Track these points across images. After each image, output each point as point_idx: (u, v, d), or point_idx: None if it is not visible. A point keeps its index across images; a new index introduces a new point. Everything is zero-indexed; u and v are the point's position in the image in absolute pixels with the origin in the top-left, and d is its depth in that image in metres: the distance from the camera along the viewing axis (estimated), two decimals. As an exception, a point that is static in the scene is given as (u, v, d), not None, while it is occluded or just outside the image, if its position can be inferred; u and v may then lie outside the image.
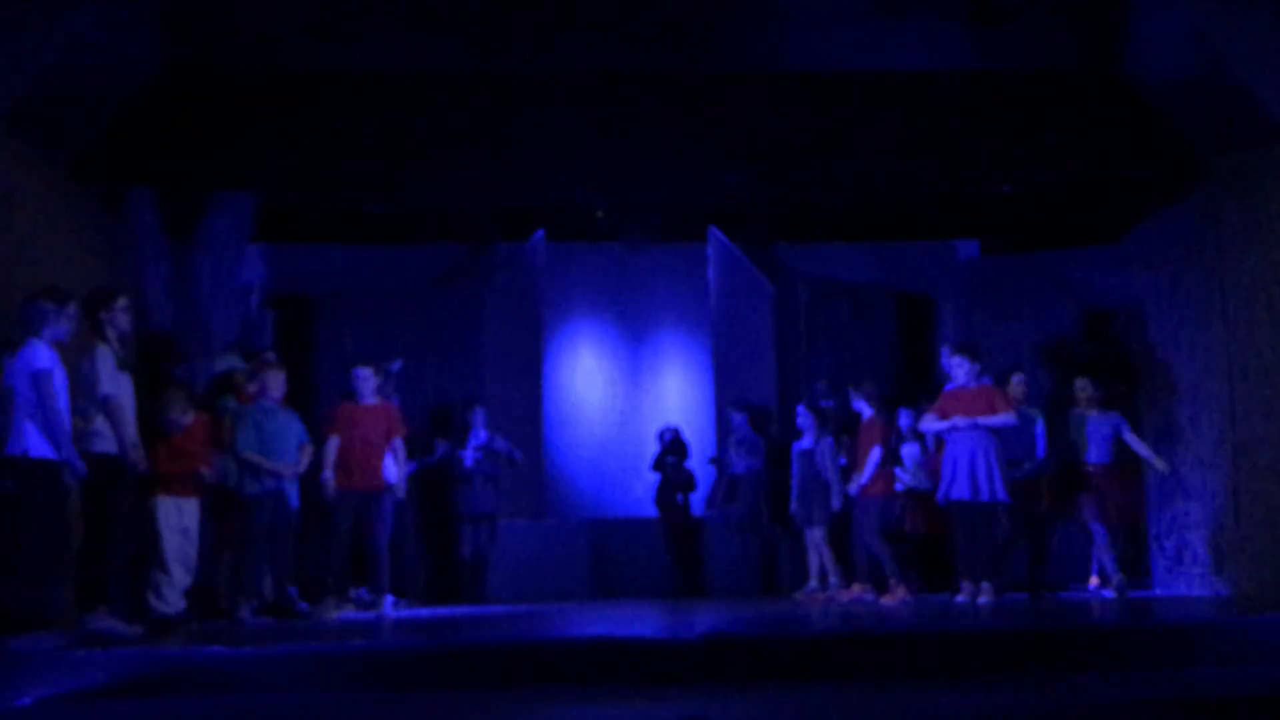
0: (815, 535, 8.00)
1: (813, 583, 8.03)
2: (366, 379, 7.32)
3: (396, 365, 8.14)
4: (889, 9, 6.68)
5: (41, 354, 5.16)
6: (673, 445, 9.52)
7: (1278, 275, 6.63)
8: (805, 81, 7.38)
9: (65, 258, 6.36)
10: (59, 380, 5.19)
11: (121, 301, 5.83)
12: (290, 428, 6.99)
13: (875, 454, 7.52)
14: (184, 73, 6.91)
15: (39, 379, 5.10)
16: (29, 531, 5.08)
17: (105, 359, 5.60)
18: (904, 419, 7.72)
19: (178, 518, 6.21)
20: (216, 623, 6.43)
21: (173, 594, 6.16)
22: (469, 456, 8.60)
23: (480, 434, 8.69)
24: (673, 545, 9.23)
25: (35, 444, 5.09)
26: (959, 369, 7.07)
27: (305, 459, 7.00)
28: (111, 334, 5.72)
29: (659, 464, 9.54)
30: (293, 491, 6.96)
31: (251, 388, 6.88)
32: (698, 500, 9.61)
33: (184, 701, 4.35)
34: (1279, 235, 6.63)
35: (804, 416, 8.06)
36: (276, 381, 6.94)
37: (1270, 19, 6.30)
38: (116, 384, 5.63)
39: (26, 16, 5.90)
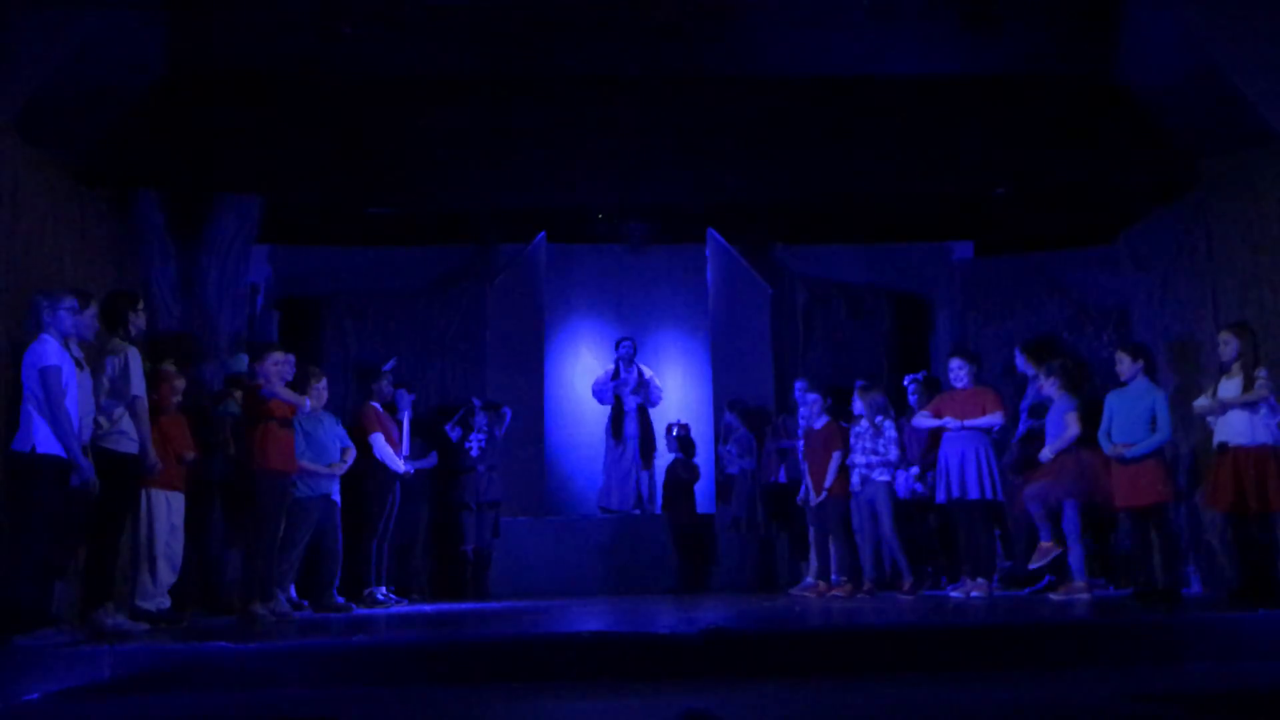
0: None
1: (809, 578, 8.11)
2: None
3: (390, 364, 8.25)
4: (885, 14, 6.73)
5: (50, 350, 5.11)
6: (681, 442, 9.59)
7: (1268, 276, 6.67)
8: (802, 86, 7.44)
9: (73, 259, 6.39)
10: (68, 377, 5.14)
11: (140, 304, 5.93)
12: (333, 431, 7.17)
13: (836, 458, 7.63)
14: (191, 76, 6.96)
15: (46, 374, 5.05)
16: (34, 528, 5.07)
17: (136, 360, 5.65)
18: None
19: (167, 512, 6.22)
20: (224, 618, 6.48)
21: (159, 591, 6.16)
22: (474, 445, 8.73)
23: (482, 432, 8.80)
24: (679, 541, 9.28)
25: (42, 440, 5.06)
26: (961, 371, 7.20)
27: (348, 460, 7.20)
28: (133, 334, 5.80)
29: (671, 467, 9.62)
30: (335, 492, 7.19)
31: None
32: (705, 496, 9.69)
33: (190, 697, 4.35)
34: (1269, 236, 6.67)
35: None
36: (324, 390, 7.13)
37: (1260, 24, 6.36)
38: (143, 385, 5.70)
39: (35, 21, 5.94)
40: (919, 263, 9.78)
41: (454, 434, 8.78)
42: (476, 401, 8.89)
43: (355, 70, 7.15)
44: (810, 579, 8.07)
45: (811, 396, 7.99)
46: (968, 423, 7.05)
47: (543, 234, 10.11)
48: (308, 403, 6.58)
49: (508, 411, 9.06)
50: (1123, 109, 7.23)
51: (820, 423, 7.82)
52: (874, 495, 7.45)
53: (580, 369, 10.78)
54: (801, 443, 8.27)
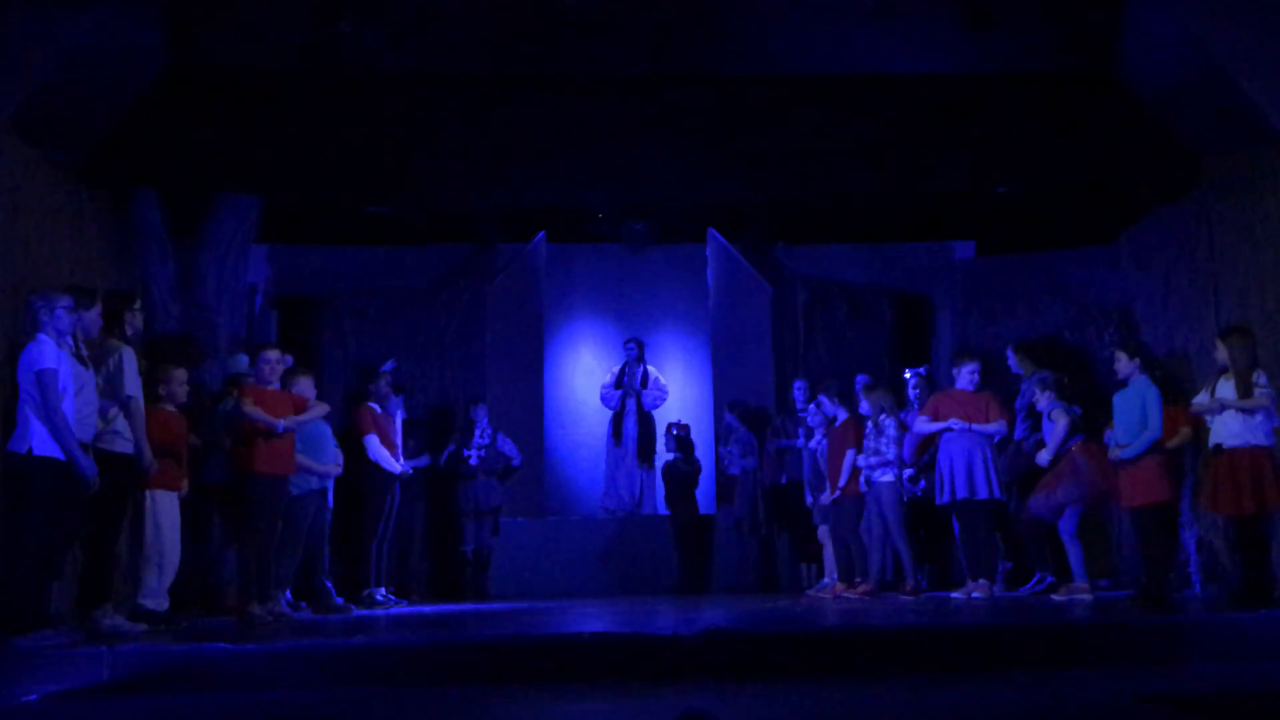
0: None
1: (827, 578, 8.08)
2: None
3: (388, 365, 8.21)
4: (886, 13, 6.71)
5: (47, 353, 5.08)
6: (680, 442, 9.57)
7: (1270, 275, 6.66)
8: (802, 85, 7.43)
9: (72, 259, 6.38)
10: (64, 379, 5.11)
11: (137, 303, 5.92)
12: (326, 432, 7.13)
13: (850, 456, 7.55)
14: (189, 75, 6.95)
15: (43, 377, 5.02)
16: (32, 529, 5.05)
17: (130, 360, 5.63)
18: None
19: (168, 511, 6.15)
20: (222, 619, 6.48)
21: (159, 591, 6.10)
22: (474, 455, 8.72)
23: (484, 432, 8.79)
24: (679, 542, 9.26)
25: (39, 442, 5.03)
26: (975, 375, 7.17)
27: (340, 465, 7.18)
28: (129, 334, 5.78)
29: (668, 466, 9.60)
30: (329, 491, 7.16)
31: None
32: (704, 496, 9.67)
33: (188, 698, 4.34)
34: (1271, 236, 6.67)
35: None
36: (307, 386, 7.04)
37: (1263, 23, 6.35)
38: (137, 385, 5.68)
39: (33, 20, 5.93)
40: (920, 262, 9.77)
41: (444, 456, 8.74)
42: (485, 432, 8.83)
43: (354, 69, 7.13)
44: (828, 579, 8.03)
45: (822, 398, 7.92)
46: (975, 427, 7.02)
47: (542, 234, 10.11)
48: (280, 425, 6.49)
49: (515, 457, 9.00)
50: (1124, 108, 7.22)
51: (840, 420, 7.76)
52: (879, 495, 7.42)
53: (580, 369, 10.77)
54: (801, 440, 8.24)
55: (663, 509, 9.89)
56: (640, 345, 10.36)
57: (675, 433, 9.60)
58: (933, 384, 7.99)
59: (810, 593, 8.11)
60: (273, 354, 6.69)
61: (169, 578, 6.19)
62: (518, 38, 6.97)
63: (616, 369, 10.40)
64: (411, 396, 8.56)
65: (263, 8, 6.62)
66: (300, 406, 6.72)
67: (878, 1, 6.65)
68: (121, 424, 5.60)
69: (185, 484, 6.28)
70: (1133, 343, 6.87)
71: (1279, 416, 5.92)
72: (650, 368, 10.39)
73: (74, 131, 6.48)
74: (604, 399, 10.38)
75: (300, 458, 6.80)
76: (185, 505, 6.32)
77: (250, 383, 6.67)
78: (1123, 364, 6.49)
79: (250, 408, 6.42)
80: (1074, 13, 6.90)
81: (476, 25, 6.84)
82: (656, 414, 10.32)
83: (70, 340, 5.26)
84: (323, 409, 6.96)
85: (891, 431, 7.40)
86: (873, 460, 7.39)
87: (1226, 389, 5.96)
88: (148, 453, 5.72)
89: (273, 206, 8.00)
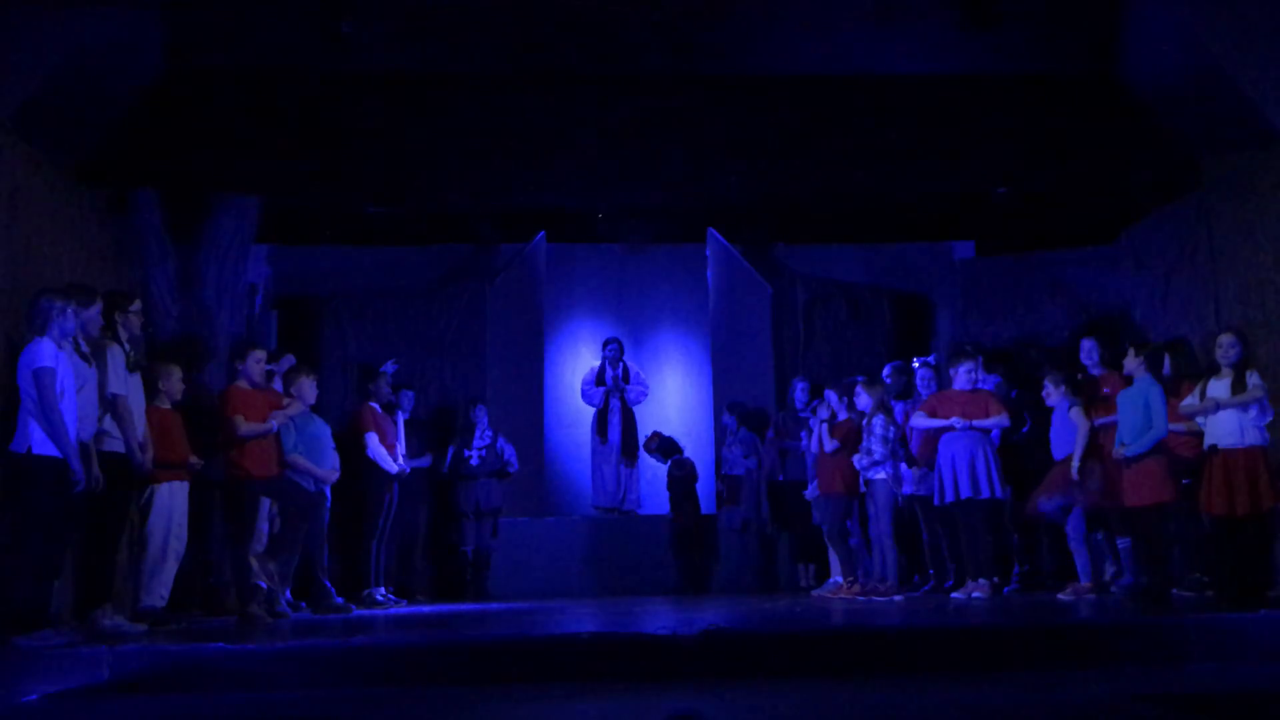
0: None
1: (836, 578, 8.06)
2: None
3: (388, 365, 8.21)
4: (886, 13, 6.73)
5: (45, 352, 5.10)
6: (666, 446, 9.54)
7: (1270, 275, 6.67)
8: (803, 85, 7.43)
9: (71, 259, 6.40)
10: (63, 378, 5.13)
11: (135, 304, 5.94)
12: (324, 432, 7.13)
13: (840, 457, 7.50)
14: (189, 75, 6.96)
15: (40, 376, 5.05)
16: (33, 529, 5.07)
17: (116, 359, 5.65)
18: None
19: (169, 504, 6.18)
20: (223, 619, 6.48)
21: (163, 585, 6.11)
22: (475, 456, 8.72)
23: (484, 433, 8.79)
24: (680, 542, 9.25)
25: (39, 441, 5.06)
26: (966, 371, 7.16)
27: (336, 466, 7.16)
28: (123, 335, 5.80)
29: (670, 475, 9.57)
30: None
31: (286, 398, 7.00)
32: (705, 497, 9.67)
33: (188, 698, 4.35)
34: (1271, 235, 6.68)
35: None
36: (309, 387, 7.04)
37: (1262, 23, 6.36)
38: (125, 385, 5.68)
39: (33, 20, 5.95)
40: (920, 262, 9.78)
41: (447, 461, 8.73)
42: (485, 433, 8.82)
43: (355, 69, 7.13)
44: (836, 578, 8.01)
45: (829, 393, 7.87)
46: (976, 423, 7.02)
47: (542, 234, 10.11)
48: (274, 425, 6.52)
49: (513, 462, 8.99)
50: (1124, 108, 7.22)
51: (840, 419, 7.72)
52: (874, 493, 7.39)
53: (580, 369, 10.78)
54: (804, 442, 8.22)
55: (651, 506, 9.88)
56: (620, 345, 10.28)
57: (655, 446, 9.54)
58: (939, 375, 7.97)
59: (816, 592, 8.10)
60: (259, 353, 6.74)
61: (172, 568, 6.19)
62: (517, 38, 6.98)
63: (596, 366, 10.35)
64: (412, 393, 8.57)
65: (262, 8, 6.63)
66: (276, 404, 6.75)
67: (878, 1, 6.66)
68: (109, 423, 5.62)
69: (198, 460, 6.29)
70: (1137, 340, 6.85)
71: (1273, 410, 5.90)
72: (630, 364, 10.33)
73: (74, 132, 6.49)
74: (585, 396, 10.32)
75: (299, 459, 6.80)
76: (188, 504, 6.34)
77: (240, 384, 6.67)
78: (1129, 361, 6.46)
79: (244, 427, 6.48)
80: (1074, 13, 6.90)
81: (477, 25, 6.84)
82: (640, 410, 10.28)
83: (71, 340, 5.28)
84: (298, 406, 6.93)
85: (879, 430, 7.33)
86: (864, 460, 7.34)
87: (1217, 388, 5.96)
88: (138, 453, 5.73)
89: (273, 206, 8.01)
